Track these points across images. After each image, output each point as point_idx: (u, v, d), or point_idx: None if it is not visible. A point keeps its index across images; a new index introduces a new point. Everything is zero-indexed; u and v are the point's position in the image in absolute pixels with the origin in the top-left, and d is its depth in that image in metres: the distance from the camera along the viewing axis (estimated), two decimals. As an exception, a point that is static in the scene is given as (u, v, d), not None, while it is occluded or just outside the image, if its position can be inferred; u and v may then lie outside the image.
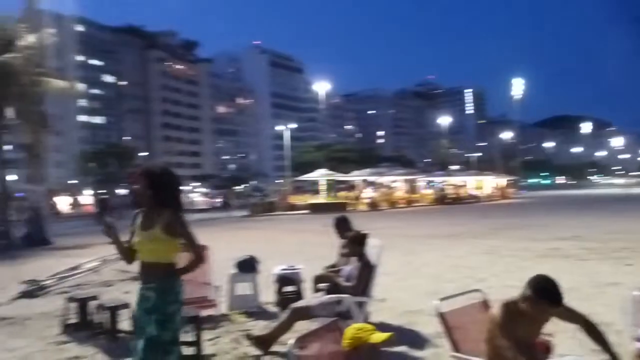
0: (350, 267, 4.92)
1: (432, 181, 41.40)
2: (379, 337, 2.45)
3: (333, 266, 5.48)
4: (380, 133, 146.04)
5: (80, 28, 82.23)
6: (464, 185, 41.81)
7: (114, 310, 4.97)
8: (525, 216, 20.80)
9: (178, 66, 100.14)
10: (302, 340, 2.48)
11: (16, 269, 10.59)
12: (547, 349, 2.97)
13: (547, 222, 17.31)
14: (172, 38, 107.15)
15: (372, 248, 4.91)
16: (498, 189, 43.92)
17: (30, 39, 17.09)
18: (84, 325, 5.30)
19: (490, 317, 2.80)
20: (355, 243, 4.88)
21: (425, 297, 6.03)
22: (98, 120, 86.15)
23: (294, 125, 70.99)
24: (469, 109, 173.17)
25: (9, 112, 17.95)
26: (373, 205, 31.18)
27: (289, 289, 5.91)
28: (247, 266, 6.12)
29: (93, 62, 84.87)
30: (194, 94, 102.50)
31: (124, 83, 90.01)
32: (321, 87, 58.99)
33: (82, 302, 5.44)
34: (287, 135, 58.67)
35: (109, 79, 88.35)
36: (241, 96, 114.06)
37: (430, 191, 38.85)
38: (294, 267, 6.17)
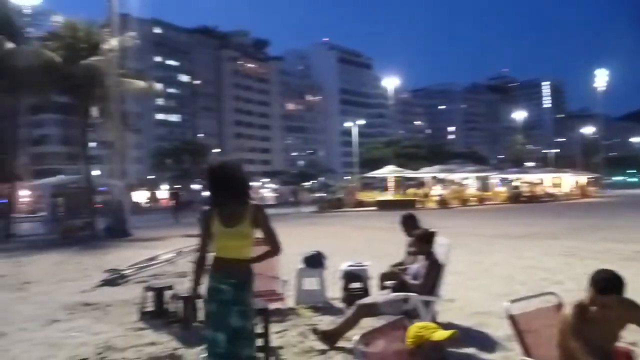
0: (418, 265, 4.84)
1: (505, 178, 39.95)
2: (441, 334, 2.42)
3: (400, 264, 5.43)
4: (451, 129, 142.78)
5: (158, 30, 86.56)
6: (540, 183, 40.05)
7: (187, 300, 5.18)
8: (608, 216, 19.58)
9: (249, 65, 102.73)
10: (367, 337, 2.47)
11: (99, 258, 11.30)
12: (628, 357, 2.79)
13: (632, 223, 16.19)
14: (244, 37, 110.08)
15: (440, 246, 4.81)
16: (578, 187, 41.73)
17: (112, 42, 18.08)
18: (160, 313, 5.56)
19: (562, 318, 2.66)
20: (422, 241, 4.79)
21: (495, 298, 5.83)
22: (174, 118, 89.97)
23: (362, 122, 70.88)
24: (547, 102, 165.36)
25: (94, 112, 19.17)
26: (443, 203, 30.52)
27: (356, 285, 5.90)
28: (315, 261, 6.17)
29: (169, 63, 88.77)
30: (265, 92, 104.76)
31: (198, 82, 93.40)
32: (390, 83, 58.51)
33: (159, 292, 5.72)
34: (355, 132, 58.69)
35: (184, 78, 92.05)
36: (310, 93, 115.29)
37: (503, 189, 37.50)
38: (361, 264, 6.17)
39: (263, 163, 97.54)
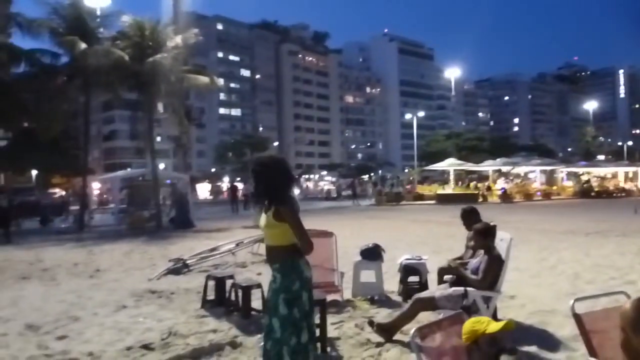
0: (477, 260, 4.73)
1: (575, 172, 38.18)
2: (495, 326, 2.36)
3: (459, 258, 5.33)
4: (516, 120, 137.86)
5: (220, 27, 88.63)
6: (613, 177, 37.98)
7: (247, 289, 5.30)
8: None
9: (309, 58, 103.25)
10: (424, 331, 2.44)
11: (164, 248, 11.77)
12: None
13: None
14: (304, 31, 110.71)
15: (500, 241, 4.67)
16: (656, 182, 39.26)
17: (177, 39, 18.67)
18: (221, 302, 5.73)
19: (621, 313, 2.44)
20: (482, 235, 4.66)
21: (560, 296, 5.62)
22: (235, 112, 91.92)
23: (422, 114, 69.73)
24: (622, 92, 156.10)
25: (159, 107, 19.87)
26: (506, 197, 29.54)
27: (413, 279, 5.85)
28: (372, 254, 6.15)
29: (231, 58, 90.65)
30: (324, 85, 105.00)
31: (259, 76, 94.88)
32: (452, 74, 57.25)
33: (220, 281, 5.89)
34: (415, 124, 57.87)
35: (245, 73, 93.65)
36: (369, 85, 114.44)
37: (570, 183, 35.85)
38: (420, 258, 6.09)
39: (322, 156, 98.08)
